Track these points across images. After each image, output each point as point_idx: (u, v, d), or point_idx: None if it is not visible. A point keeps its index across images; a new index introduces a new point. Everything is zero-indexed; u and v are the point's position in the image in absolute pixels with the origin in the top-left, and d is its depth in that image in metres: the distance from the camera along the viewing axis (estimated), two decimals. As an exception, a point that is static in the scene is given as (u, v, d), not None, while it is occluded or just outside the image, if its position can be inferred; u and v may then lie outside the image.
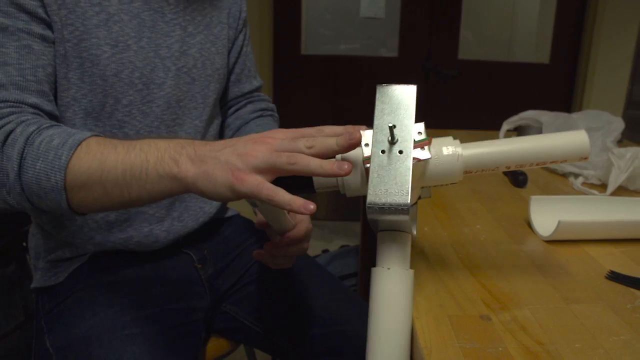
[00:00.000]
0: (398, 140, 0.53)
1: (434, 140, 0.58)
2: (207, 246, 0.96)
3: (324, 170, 0.54)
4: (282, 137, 0.57)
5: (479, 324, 0.59)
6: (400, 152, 0.53)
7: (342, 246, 1.99)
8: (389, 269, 0.56)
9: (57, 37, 0.72)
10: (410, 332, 0.55)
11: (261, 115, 1.04)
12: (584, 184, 1.06)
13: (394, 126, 0.53)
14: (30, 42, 0.69)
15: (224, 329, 1.00)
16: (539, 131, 1.27)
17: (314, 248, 1.06)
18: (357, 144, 0.55)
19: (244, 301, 0.97)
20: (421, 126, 0.55)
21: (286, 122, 0.93)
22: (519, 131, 1.34)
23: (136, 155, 0.59)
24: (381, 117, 0.55)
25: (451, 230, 0.82)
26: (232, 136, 1.02)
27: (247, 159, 0.55)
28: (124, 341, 0.76)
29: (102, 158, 0.59)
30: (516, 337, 0.56)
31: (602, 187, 1.04)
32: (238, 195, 0.55)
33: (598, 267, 0.73)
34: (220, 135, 1.03)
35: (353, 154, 0.58)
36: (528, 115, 1.32)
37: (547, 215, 0.83)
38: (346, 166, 0.53)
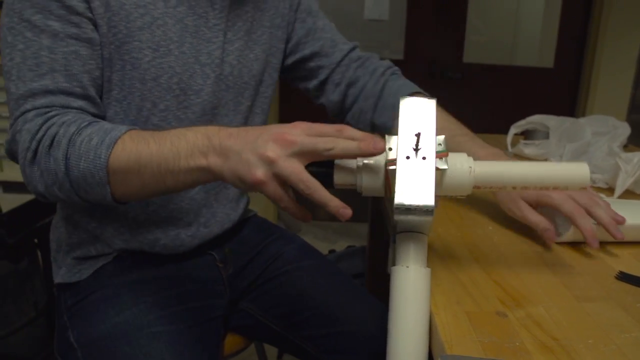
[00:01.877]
0: (421, 148, 0.57)
1: (451, 154, 0.62)
2: (228, 246, 0.98)
3: (361, 150, 0.57)
4: (300, 134, 0.59)
5: (495, 320, 0.61)
6: (424, 158, 0.56)
7: (349, 246, 2.01)
8: (407, 267, 0.59)
9: (103, 40, 0.74)
10: (428, 327, 0.58)
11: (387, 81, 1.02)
12: (591, 187, 1.09)
13: (419, 135, 0.57)
14: (78, 47, 0.71)
15: (240, 326, 1.03)
16: (546, 135, 1.30)
17: (317, 247, 1.08)
18: (381, 152, 0.58)
19: (260, 299, 0.99)
20: (442, 139, 0.60)
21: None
22: (527, 135, 1.36)
23: (168, 150, 0.63)
24: (406, 126, 0.58)
25: (464, 232, 0.85)
26: (374, 105, 1.01)
27: (283, 144, 0.58)
28: (150, 339, 0.78)
29: (137, 154, 0.64)
30: (532, 332, 0.59)
31: (610, 190, 1.07)
32: (265, 191, 0.59)
33: (607, 267, 0.75)
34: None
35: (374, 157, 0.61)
36: (535, 120, 1.34)
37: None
38: (381, 144, 0.57)
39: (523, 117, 1.36)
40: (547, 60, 2.80)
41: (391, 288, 0.59)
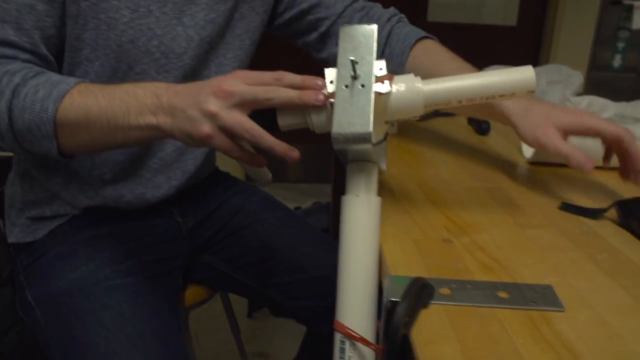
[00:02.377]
0: (360, 75, 0.56)
1: (396, 77, 0.60)
2: (189, 200, 0.97)
3: (302, 100, 0.57)
4: (239, 84, 0.58)
5: (441, 246, 0.63)
6: (362, 85, 0.56)
7: (315, 203, 2.03)
8: (357, 196, 0.58)
9: None
10: (378, 255, 0.59)
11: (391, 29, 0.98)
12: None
13: (356, 61, 0.56)
14: (34, 1, 0.68)
15: (204, 279, 1.03)
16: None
17: None
18: (322, 103, 0.57)
19: (223, 251, 1.00)
20: (382, 63, 0.58)
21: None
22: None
23: (118, 106, 0.63)
24: (344, 55, 0.58)
25: (417, 171, 0.87)
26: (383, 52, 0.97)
27: (223, 96, 0.58)
28: (108, 291, 0.78)
29: (86, 109, 0.63)
30: (475, 255, 0.61)
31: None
32: (214, 145, 0.60)
33: (553, 199, 0.78)
34: None
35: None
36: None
37: None
38: (322, 96, 0.57)
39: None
40: (510, 18, 2.82)
41: (341, 217, 0.59)
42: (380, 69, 0.58)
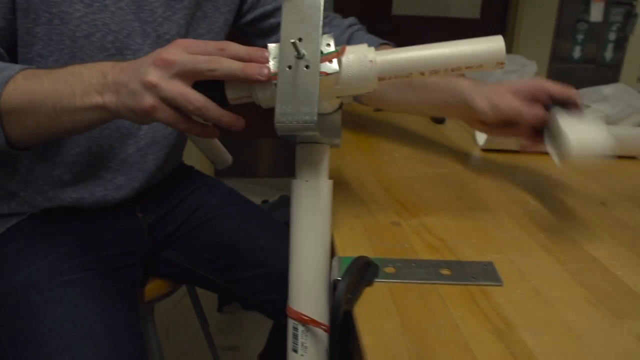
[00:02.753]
0: (304, 54, 0.52)
1: (348, 49, 0.56)
2: (151, 196, 0.96)
3: (245, 74, 0.54)
4: (180, 53, 0.55)
5: (389, 229, 0.65)
6: (307, 67, 0.52)
7: (282, 196, 2.05)
8: (307, 181, 0.57)
9: None
10: (329, 239, 0.59)
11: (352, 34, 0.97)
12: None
13: (300, 40, 0.52)
14: None
15: (166, 274, 1.03)
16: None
17: (254, 202, 1.10)
18: (266, 79, 0.54)
19: (184, 247, 0.99)
20: (329, 38, 0.54)
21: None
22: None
23: (63, 88, 0.60)
24: (287, 30, 0.53)
25: (372, 159, 0.89)
26: None
27: (163, 65, 0.55)
28: (62, 286, 0.77)
29: (30, 93, 0.61)
30: (421, 236, 0.64)
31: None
32: (159, 118, 0.57)
33: (503, 183, 0.81)
34: None
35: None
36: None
37: None
38: (266, 70, 0.54)
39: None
40: (474, 11, 2.87)
41: (291, 202, 0.58)
42: (328, 44, 0.53)
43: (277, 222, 1.06)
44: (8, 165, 0.81)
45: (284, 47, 0.53)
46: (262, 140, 2.95)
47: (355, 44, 0.88)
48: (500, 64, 0.57)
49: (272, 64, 0.54)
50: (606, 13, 2.77)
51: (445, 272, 0.56)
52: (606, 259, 0.60)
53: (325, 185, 0.57)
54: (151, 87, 0.55)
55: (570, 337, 0.47)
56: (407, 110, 0.99)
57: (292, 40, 0.51)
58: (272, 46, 0.55)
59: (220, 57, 0.55)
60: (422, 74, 0.57)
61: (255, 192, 2.73)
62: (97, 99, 0.59)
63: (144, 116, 0.57)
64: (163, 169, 0.94)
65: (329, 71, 0.53)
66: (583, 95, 1.16)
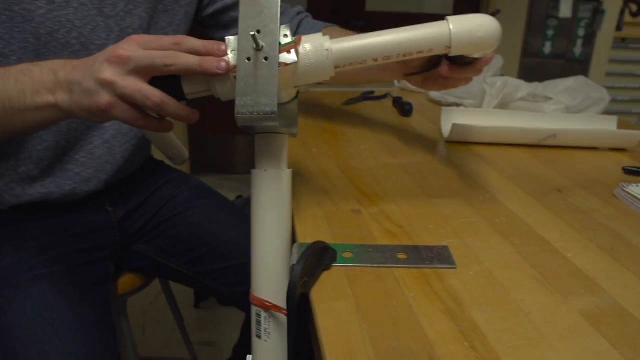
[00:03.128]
0: (263, 46, 0.52)
1: (303, 38, 0.57)
2: (120, 190, 0.96)
3: (202, 68, 0.54)
4: (135, 49, 0.55)
5: (350, 216, 0.67)
6: (266, 58, 0.53)
7: (257, 192, 2.06)
8: (265, 171, 0.57)
9: None
10: (290, 227, 0.60)
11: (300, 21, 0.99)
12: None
13: (258, 32, 0.53)
14: None
15: (137, 268, 1.03)
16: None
17: (230, 198, 1.10)
18: (224, 71, 0.54)
19: (154, 240, 1.00)
20: (286, 28, 0.55)
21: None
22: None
23: (12, 87, 0.59)
24: (245, 23, 0.53)
25: (337, 151, 0.90)
26: None
27: (118, 62, 0.54)
28: (32, 281, 0.78)
29: None
30: (381, 223, 0.65)
31: (479, 113, 1.15)
32: (116, 116, 0.56)
33: (464, 173, 0.83)
34: None
35: None
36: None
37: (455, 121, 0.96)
38: (224, 64, 0.54)
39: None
40: (446, 7, 2.90)
41: (251, 191, 0.59)
42: (285, 35, 0.54)
43: (246, 213, 1.07)
44: None
45: (242, 39, 0.53)
46: (238, 137, 2.95)
47: (304, 30, 0.90)
48: (448, 48, 0.59)
49: (230, 56, 0.55)
50: (575, 9, 2.82)
51: (401, 256, 0.58)
52: (558, 242, 0.62)
53: (284, 175, 0.58)
54: (107, 85, 0.54)
55: (517, 314, 0.49)
56: (355, 81, 0.99)
57: (252, 33, 0.52)
58: (230, 39, 0.56)
59: (176, 52, 0.55)
60: (375, 60, 0.59)
61: (231, 189, 2.73)
62: (49, 98, 0.58)
63: (101, 114, 0.56)
64: (131, 161, 0.94)
65: (287, 62, 0.54)
66: (546, 87, 1.19)
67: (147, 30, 0.85)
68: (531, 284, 0.54)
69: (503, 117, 1.00)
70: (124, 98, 0.55)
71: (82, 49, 0.76)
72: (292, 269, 0.53)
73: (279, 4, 0.54)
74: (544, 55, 2.91)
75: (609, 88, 2.92)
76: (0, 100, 0.59)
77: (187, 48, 0.56)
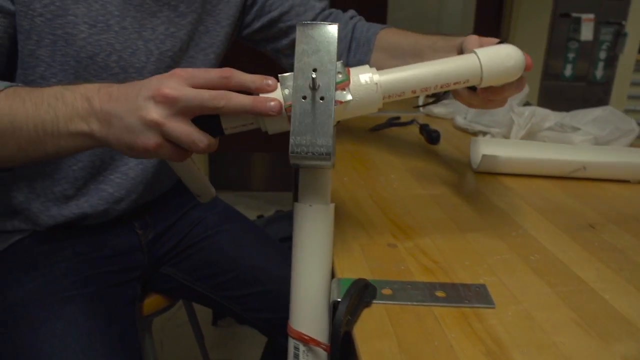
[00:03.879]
0: (320, 86, 0.52)
1: (352, 71, 0.57)
2: (151, 212, 0.97)
3: (256, 110, 0.53)
4: (181, 87, 0.53)
5: (386, 250, 0.68)
6: (322, 98, 0.52)
7: (277, 211, 2.07)
8: (311, 206, 0.57)
9: (22, 10, 0.68)
10: (330, 261, 0.60)
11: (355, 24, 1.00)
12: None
13: (315, 70, 0.53)
14: None
15: (164, 290, 1.04)
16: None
17: (249, 216, 1.11)
18: (277, 113, 0.54)
19: (182, 263, 1.00)
20: (340, 66, 0.55)
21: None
22: (437, 95, 1.44)
23: (45, 111, 0.58)
24: (302, 60, 0.53)
25: (368, 180, 0.91)
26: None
27: (165, 101, 0.52)
28: (63, 302, 0.79)
29: (11, 114, 0.58)
30: (417, 258, 0.66)
31: (506, 142, 1.16)
32: (160, 156, 0.55)
33: (495, 205, 0.83)
34: None
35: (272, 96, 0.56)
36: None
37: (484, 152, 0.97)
38: (276, 105, 0.53)
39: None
40: (467, 29, 2.91)
41: (294, 225, 0.59)
42: (339, 73, 0.55)
43: (273, 240, 1.08)
44: (10, 182, 0.82)
45: (299, 77, 0.53)
46: (256, 154, 2.97)
47: (360, 34, 0.92)
48: (480, 79, 0.61)
49: (285, 92, 0.55)
50: (596, 32, 2.82)
51: (440, 294, 0.58)
52: (594, 282, 0.62)
53: (328, 209, 0.58)
54: (155, 126, 0.53)
55: (559, 358, 0.49)
56: None
57: (314, 76, 0.52)
58: (285, 76, 0.55)
59: (227, 91, 0.54)
60: (414, 92, 0.60)
61: (250, 206, 2.75)
62: (83, 127, 0.57)
63: (145, 153, 0.55)
64: (162, 181, 0.95)
65: (343, 100, 0.55)
66: (573, 117, 1.19)
67: (187, 51, 0.85)
68: (570, 327, 0.54)
69: (532, 148, 1.00)
70: (170, 139, 0.54)
71: (121, 71, 0.78)
72: (334, 305, 0.54)
73: (336, 42, 0.54)
74: (565, 78, 2.90)
75: (630, 111, 2.92)
76: (33, 124, 0.58)
77: (236, 84, 0.55)
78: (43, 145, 0.59)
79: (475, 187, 0.92)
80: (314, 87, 0.52)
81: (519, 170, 0.96)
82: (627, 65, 2.93)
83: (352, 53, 0.99)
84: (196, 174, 0.67)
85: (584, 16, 2.74)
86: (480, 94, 0.68)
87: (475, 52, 0.61)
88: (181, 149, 0.56)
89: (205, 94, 0.53)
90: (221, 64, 0.95)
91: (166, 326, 1.92)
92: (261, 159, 3.01)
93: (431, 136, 1.14)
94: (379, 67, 0.59)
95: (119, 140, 0.55)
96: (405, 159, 1.03)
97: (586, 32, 2.79)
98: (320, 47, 0.54)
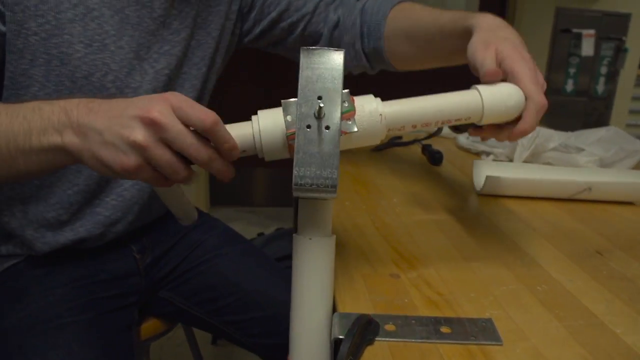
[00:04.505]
0: (325, 114, 0.50)
1: (356, 100, 0.56)
2: (148, 235, 0.96)
3: (223, 178, 0.56)
4: (170, 117, 0.51)
5: (388, 281, 0.66)
6: (327, 127, 0.50)
7: (278, 229, 2.04)
8: (310, 239, 0.54)
9: (15, 29, 0.67)
10: (331, 293, 0.57)
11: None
12: (494, 160, 1.16)
13: (319, 98, 0.51)
14: None
15: (162, 314, 1.02)
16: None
17: (250, 232, 1.09)
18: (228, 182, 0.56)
19: (180, 287, 0.99)
20: (346, 95, 0.53)
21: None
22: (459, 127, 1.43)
23: (20, 123, 0.55)
24: (306, 87, 0.51)
25: (370, 204, 0.90)
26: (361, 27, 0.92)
27: (151, 125, 0.50)
28: (58, 330, 0.77)
29: None
30: (420, 290, 0.64)
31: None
32: (138, 178, 0.53)
33: (499, 231, 0.81)
34: None
35: (271, 124, 0.55)
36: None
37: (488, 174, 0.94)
38: (232, 175, 0.56)
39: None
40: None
41: (293, 257, 0.57)
42: (344, 102, 0.53)
43: (273, 262, 1.07)
44: (5, 207, 0.81)
45: (303, 105, 0.51)
46: (258, 169, 2.96)
47: (371, 12, 0.89)
48: (481, 117, 0.61)
49: (288, 119, 0.53)
50: (597, 48, 2.82)
51: (445, 330, 0.56)
52: (604, 315, 0.60)
53: (329, 242, 0.56)
54: (138, 148, 0.50)
55: (570, 401, 0.47)
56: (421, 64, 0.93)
57: (321, 105, 0.50)
58: (289, 102, 0.54)
59: (212, 153, 0.53)
60: (414, 127, 0.60)
61: (250, 221, 2.73)
62: (56, 139, 0.53)
63: (124, 173, 0.52)
64: (158, 202, 0.93)
65: (349, 131, 0.53)
66: (578, 137, 1.18)
67: (181, 67, 0.84)
68: (581, 365, 0.52)
69: (536, 170, 0.98)
70: (151, 163, 0.52)
71: (117, 92, 0.76)
72: (335, 342, 0.52)
73: (342, 70, 0.52)
74: (566, 93, 2.89)
75: (632, 126, 2.90)
76: (5, 140, 0.55)
77: (216, 141, 0.53)
78: (15, 162, 0.56)
79: (479, 211, 0.90)
80: (319, 116, 0.50)
81: (523, 192, 0.94)
82: (628, 80, 2.92)
83: (366, 40, 0.92)
84: (178, 196, 0.65)
85: (584, 32, 2.74)
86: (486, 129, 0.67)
87: (477, 89, 0.61)
88: (161, 175, 0.54)
89: (188, 142, 0.51)
90: (218, 76, 0.94)
91: (164, 345, 1.90)
92: (262, 174, 2.99)
93: (434, 157, 1.12)
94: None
95: (94, 156, 0.52)
96: (408, 181, 1.02)
97: (587, 48, 2.78)
98: (325, 75, 0.52)
